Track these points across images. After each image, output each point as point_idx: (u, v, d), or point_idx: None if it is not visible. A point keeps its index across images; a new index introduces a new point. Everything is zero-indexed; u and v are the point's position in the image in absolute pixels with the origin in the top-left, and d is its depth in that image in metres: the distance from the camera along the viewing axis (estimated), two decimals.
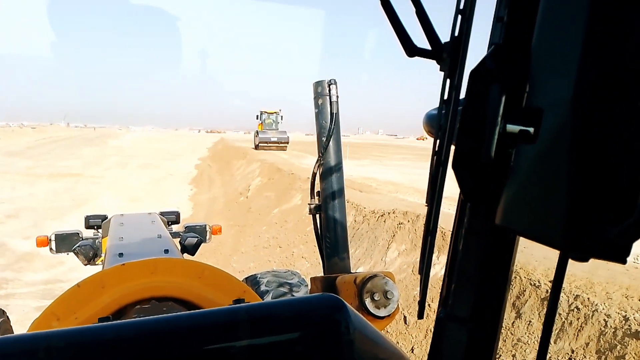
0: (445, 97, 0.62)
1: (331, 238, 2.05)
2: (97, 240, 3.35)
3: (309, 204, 2.16)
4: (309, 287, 2.46)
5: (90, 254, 3.13)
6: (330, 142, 2.04)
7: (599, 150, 0.41)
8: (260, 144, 31.49)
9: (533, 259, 5.09)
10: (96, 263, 3.17)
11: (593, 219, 0.42)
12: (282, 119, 35.71)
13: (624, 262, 0.43)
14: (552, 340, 4.24)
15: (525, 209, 0.49)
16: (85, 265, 3.17)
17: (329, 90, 2.05)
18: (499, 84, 0.52)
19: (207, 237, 3.95)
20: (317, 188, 2.13)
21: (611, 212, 0.41)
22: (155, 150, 39.68)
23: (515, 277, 4.95)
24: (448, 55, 0.61)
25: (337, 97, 2.07)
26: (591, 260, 0.44)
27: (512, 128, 0.51)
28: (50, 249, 3.55)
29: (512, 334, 4.59)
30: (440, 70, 0.63)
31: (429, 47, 0.64)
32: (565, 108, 0.44)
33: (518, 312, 4.71)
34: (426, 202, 0.64)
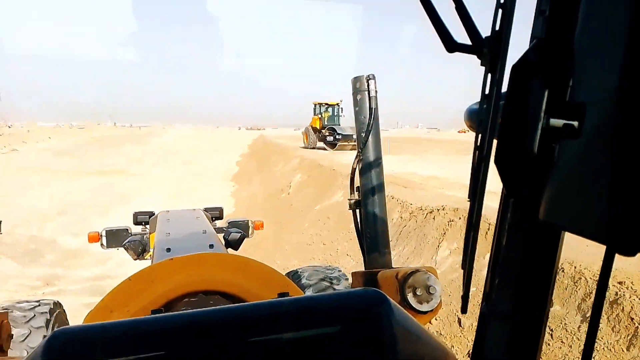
0: (487, 91, 0.61)
1: (371, 233, 2.05)
2: (145, 236, 3.47)
3: (348, 200, 2.17)
4: (350, 281, 2.48)
5: (139, 249, 3.25)
6: (370, 137, 2.04)
7: None
8: (340, 143, 25.20)
9: (598, 259, 4.83)
10: (145, 258, 3.29)
11: (639, 213, 0.41)
12: (342, 112, 28.57)
13: None
14: (625, 347, 4.02)
15: (570, 204, 0.49)
16: (135, 260, 3.29)
17: (368, 85, 2.04)
18: (541, 78, 0.51)
19: (250, 232, 4.03)
20: (357, 183, 2.14)
21: None
22: (197, 147, 40.38)
23: (579, 279, 4.70)
24: (489, 50, 0.61)
25: (376, 92, 2.06)
26: None
27: (555, 122, 0.50)
28: (101, 244, 3.70)
29: (578, 339, 4.35)
30: (481, 65, 0.63)
31: (469, 42, 0.64)
32: (609, 102, 0.43)
33: (584, 315, 4.47)
34: (468, 197, 0.64)
